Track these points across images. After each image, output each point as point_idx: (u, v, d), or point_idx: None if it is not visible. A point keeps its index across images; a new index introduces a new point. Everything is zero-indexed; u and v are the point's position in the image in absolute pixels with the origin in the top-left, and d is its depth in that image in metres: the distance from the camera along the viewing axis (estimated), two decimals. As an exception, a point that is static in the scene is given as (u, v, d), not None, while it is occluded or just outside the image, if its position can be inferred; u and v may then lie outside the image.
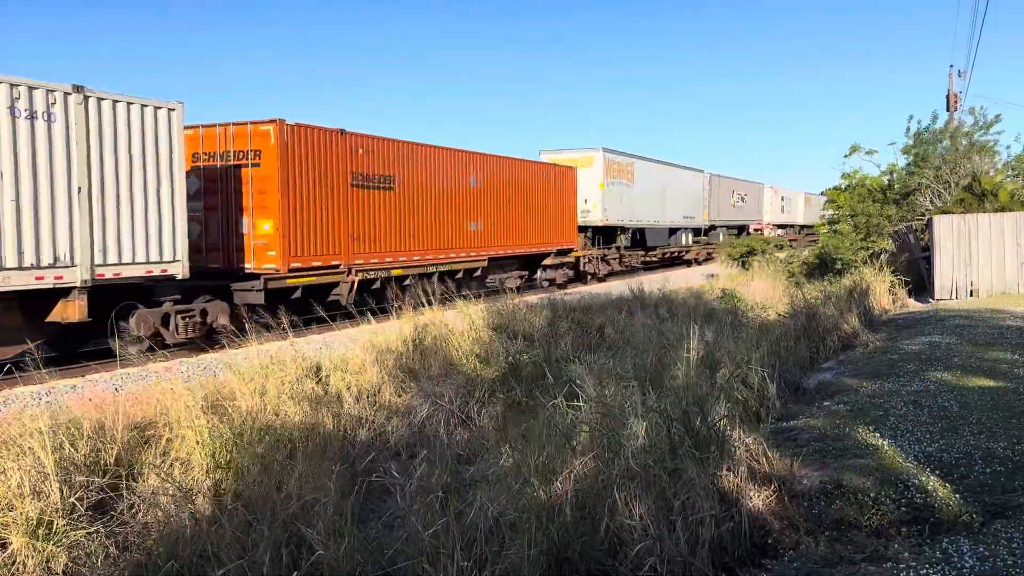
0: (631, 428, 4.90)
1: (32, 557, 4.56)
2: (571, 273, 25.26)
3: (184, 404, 6.50)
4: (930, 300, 16.76)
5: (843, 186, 23.66)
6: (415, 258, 17.78)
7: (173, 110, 11.93)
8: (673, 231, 34.56)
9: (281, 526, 4.37)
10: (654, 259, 33.19)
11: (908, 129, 22.31)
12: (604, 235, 27.90)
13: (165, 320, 12.20)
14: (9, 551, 4.58)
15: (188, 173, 13.06)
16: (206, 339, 12.75)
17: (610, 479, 4.37)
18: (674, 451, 4.60)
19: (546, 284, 23.82)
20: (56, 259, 10.36)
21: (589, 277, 26.67)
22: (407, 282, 16.95)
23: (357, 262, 15.82)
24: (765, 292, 18.16)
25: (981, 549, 3.83)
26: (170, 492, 5.07)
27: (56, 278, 10.39)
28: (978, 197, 19.13)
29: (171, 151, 11.91)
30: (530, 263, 23.62)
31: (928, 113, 47.14)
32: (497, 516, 4.14)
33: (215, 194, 14.30)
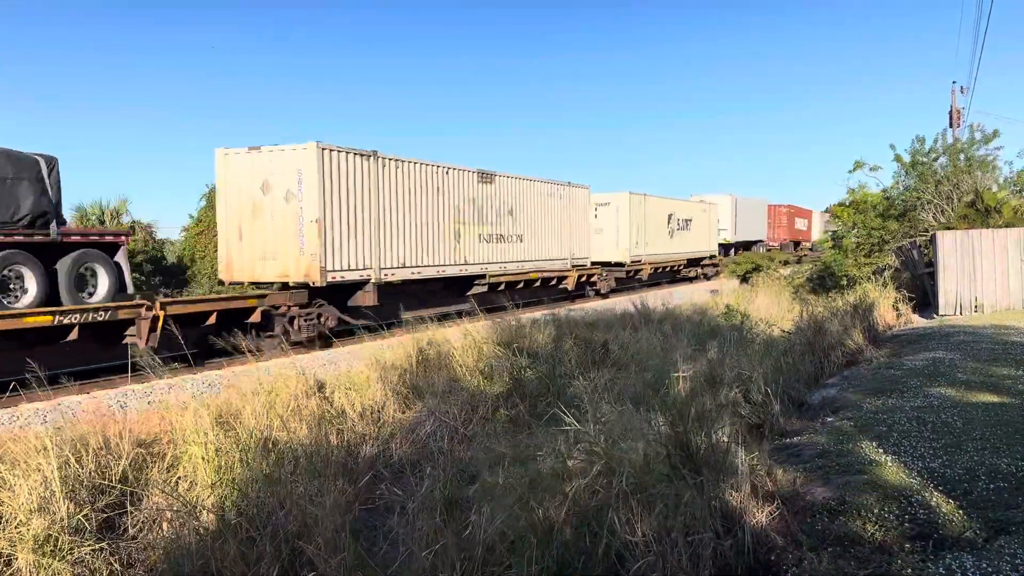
0: (629, 447, 4.91)
1: (37, 574, 4.58)
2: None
3: (191, 421, 6.53)
4: (934, 316, 16.72)
5: (847, 202, 23.72)
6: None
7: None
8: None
9: (283, 542, 4.39)
10: None
11: (910, 145, 22.37)
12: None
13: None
14: (14, 567, 4.61)
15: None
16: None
17: (609, 498, 4.37)
18: (673, 471, 4.61)
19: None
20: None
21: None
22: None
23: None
24: (769, 308, 18.17)
25: (984, 565, 3.83)
26: (175, 508, 5.09)
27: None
28: (981, 213, 19.11)
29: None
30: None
31: (931, 129, 48.96)
32: (498, 534, 4.14)
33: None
